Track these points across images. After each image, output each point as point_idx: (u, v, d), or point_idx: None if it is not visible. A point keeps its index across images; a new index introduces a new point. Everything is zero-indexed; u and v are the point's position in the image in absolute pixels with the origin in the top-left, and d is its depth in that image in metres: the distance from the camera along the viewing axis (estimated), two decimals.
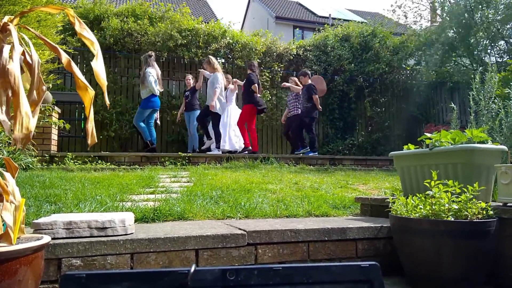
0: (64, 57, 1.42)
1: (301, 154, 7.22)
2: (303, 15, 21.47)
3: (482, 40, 9.06)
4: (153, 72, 6.77)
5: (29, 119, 1.25)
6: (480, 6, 8.48)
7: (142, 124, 6.82)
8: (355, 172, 6.02)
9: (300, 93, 7.62)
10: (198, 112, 7.27)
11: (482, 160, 2.24)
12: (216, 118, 6.95)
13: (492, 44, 9.11)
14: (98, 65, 1.45)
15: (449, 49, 8.89)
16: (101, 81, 1.46)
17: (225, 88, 7.44)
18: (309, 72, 7.75)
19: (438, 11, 9.33)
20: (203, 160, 6.32)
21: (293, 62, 9.59)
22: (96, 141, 1.49)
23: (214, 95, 6.78)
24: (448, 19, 8.79)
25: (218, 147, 6.99)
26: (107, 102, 1.54)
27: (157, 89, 6.79)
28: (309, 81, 7.56)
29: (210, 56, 7.25)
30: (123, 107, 8.02)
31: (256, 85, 7.03)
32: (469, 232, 1.79)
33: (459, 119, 9.06)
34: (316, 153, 7.53)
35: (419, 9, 10.03)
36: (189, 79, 7.62)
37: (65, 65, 1.43)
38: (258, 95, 7.18)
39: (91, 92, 1.46)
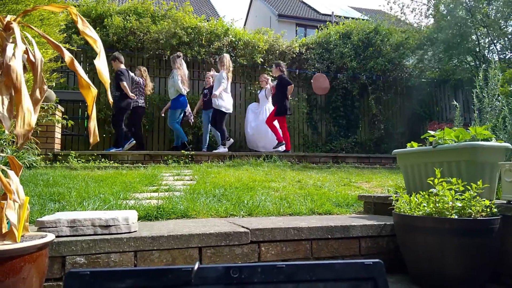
0: (67, 56, 1.42)
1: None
2: (306, 13, 21.41)
3: (484, 37, 9.01)
4: (180, 72, 6.90)
5: (31, 115, 1.25)
6: (480, 5, 8.43)
7: (177, 126, 6.96)
8: (358, 170, 6.01)
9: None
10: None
11: (486, 158, 2.23)
12: (221, 115, 7.03)
13: (495, 42, 9.05)
14: (101, 63, 1.45)
15: (450, 47, 8.84)
16: (104, 79, 1.46)
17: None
18: (120, 57, 6.89)
19: (439, 8, 9.27)
20: (206, 158, 6.33)
21: (296, 60, 9.57)
22: (98, 139, 1.50)
23: (219, 88, 6.90)
24: (448, 17, 8.75)
25: (223, 144, 7.06)
26: (110, 100, 1.55)
27: (184, 88, 6.90)
28: (122, 66, 6.80)
29: (224, 55, 7.34)
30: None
31: (292, 86, 7.26)
32: (473, 230, 1.78)
33: (463, 116, 9.03)
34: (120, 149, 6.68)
35: (418, 5, 9.92)
36: (209, 77, 7.60)
37: (68, 64, 1.43)
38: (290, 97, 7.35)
39: (94, 90, 1.47)
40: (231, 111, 7.26)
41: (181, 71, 6.96)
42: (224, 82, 6.94)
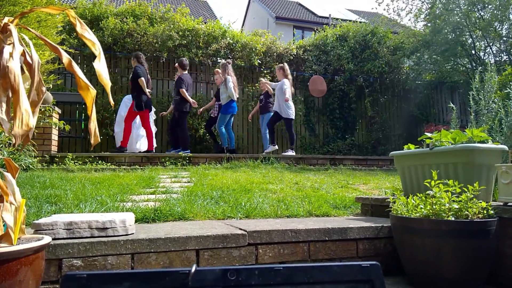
0: (65, 57, 1.42)
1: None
2: (303, 15, 21.47)
3: (479, 40, 9.06)
4: (233, 79, 7.13)
5: (29, 116, 1.25)
6: (474, 7, 8.49)
7: (224, 130, 7.17)
8: (355, 172, 6.02)
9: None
10: (271, 114, 7.47)
11: (483, 160, 2.24)
12: (291, 122, 7.29)
13: (490, 44, 9.11)
14: (101, 66, 1.45)
15: (446, 49, 8.90)
16: (104, 81, 1.46)
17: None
18: (185, 63, 7.22)
19: (434, 12, 9.32)
20: (203, 160, 6.32)
21: (293, 62, 9.59)
22: (99, 140, 1.49)
23: (286, 95, 7.14)
24: (443, 20, 8.79)
25: (292, 148, 7.27)
26: (112, 102, 1.55)
27: (235, 94, 7.12)
28: (185, 73, 7.19)
29: (285, 63, 7.57)
30: None
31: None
32: (470, 232, 1.79)
33: (459, 118, 9.07)
34: (187, 151, 6.92)
35: (413, 8, 10.02)
36: (264, 84, 7.75)
37: (66, 65, 1.43)
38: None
39: (93, 91, 1.47)
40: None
41: (233, 77, 7.20)
42: (288, 89, 7.18)
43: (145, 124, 6.77)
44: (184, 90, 6.93)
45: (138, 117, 6.86)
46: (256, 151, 9.06)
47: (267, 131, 7.43)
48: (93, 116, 1.46)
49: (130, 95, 6.96)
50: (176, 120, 7.10)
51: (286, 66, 7.47)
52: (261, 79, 7.92)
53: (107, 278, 0.82)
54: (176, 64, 7.31)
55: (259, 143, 9.20)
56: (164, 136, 8.44)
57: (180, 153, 6.40)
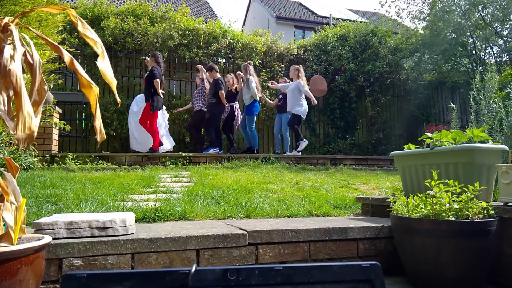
0: (67, 56, 1.42)
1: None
2: (304, 15, 21.47)
3: (480, 40, 9.06)
4: (255, 79, 7.26)
5: (31, 119, 1.25)
6: (475, 8, 8.49)
7: (255, 132, 7.36)
8: (356, 171, 6.02)
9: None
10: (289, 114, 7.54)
11: (483, 160, 2.24)
12: (300, 120, 7.39)
13: (491, 44, 9.11)
14: (105, 64, 1.45)
15: (446, 50, 8.90)
16: (108, 79, 1.46)
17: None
18: (216, 67, 7.41)
19: (434, 12, 9.32)
20: (204, 160, 6.33)
21: (294, 62, 9.58)
22: (105, 137, 1.49)
23: (309, 95, 7.24)
24: (443, 21, 8.80)
25: (297, 146, 7.33)
26: (118, 99, 1.55)
27: (258, 94, 7.28)
28: (218, 75, 7.32)
29: (300, 66, 7.70)
30: (123, 106, 8.03)
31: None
32: (470, 232, 1.78)
33: (460, 118, 9.07)
34: (217, 149, 7.12)
35: (413, 9, 10.12)
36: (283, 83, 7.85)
37: (68, 64, 1.42)
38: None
39: (96, 89, 1.47)
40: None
41: (255, 77, 7.33)
42: (307, 89, 7.26)
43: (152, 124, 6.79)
44: (223, 92, 7.06)
45: (160, 116, 6.93)
46: (257, 150, 9.06)
47: (288, 132, 7.50)
48: (97, 114, 1.45)
49: (142, 95, 7.02)
50: (209, 121, 7.17)
51: (302, 68, 7.54)
52: (271, 81, 7.98)
53: (107, 277, 0.82)
54: (207, 72, 7.35)
55: (259, 142, 9.19)
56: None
57: (180, 152, 6.40)
